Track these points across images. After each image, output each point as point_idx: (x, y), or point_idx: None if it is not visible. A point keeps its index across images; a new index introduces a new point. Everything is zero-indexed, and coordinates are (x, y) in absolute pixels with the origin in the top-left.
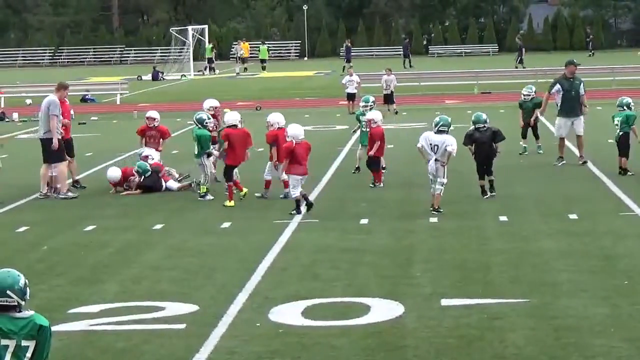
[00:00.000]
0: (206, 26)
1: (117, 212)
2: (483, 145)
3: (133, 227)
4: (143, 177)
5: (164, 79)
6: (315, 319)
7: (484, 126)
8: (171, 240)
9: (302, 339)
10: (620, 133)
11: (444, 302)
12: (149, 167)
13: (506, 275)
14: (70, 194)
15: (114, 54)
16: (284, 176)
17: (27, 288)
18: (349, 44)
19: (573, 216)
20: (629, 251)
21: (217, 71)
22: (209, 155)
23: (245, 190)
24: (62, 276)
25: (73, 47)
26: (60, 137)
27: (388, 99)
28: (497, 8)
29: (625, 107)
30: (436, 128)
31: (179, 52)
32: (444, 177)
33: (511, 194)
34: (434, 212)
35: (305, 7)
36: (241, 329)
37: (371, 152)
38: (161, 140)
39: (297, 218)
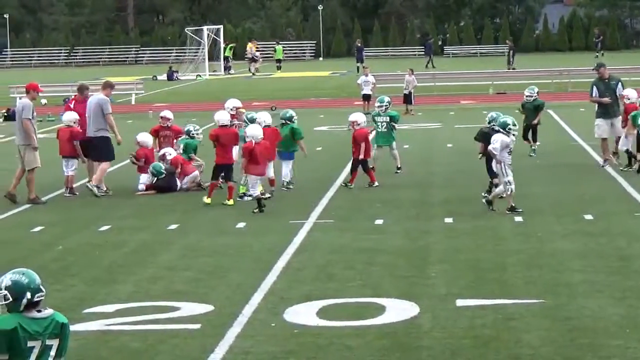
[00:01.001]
0: (221, 26)
1: (132, 212)
2: None
3: (148, 227)
4: (157, 178)
5: (179, 79)
6: (330, 319)
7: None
8: (186, 241)
9: (317, 339)
10: None
11: (459, 302)
12: (162, 170)
13: (521, 276)
14: (95, 190)
15: (129, 54)
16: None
17: None
18: (359, 44)
19: (588, 217)
20: None
21: (232, 71)
22: None
23: (231, 202)
24: (77, 276)
25: (88, 47)
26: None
27: (407, 98)
28: (513, 8)
29: None
30: None
31: (194, 52)
32: (503, 176)
33: (526, 194)
34: (507, 212)
35: (320, 7)
36: (256, 329)
37: (361, 156)
38: (175, 140)
39: (312, 218)
